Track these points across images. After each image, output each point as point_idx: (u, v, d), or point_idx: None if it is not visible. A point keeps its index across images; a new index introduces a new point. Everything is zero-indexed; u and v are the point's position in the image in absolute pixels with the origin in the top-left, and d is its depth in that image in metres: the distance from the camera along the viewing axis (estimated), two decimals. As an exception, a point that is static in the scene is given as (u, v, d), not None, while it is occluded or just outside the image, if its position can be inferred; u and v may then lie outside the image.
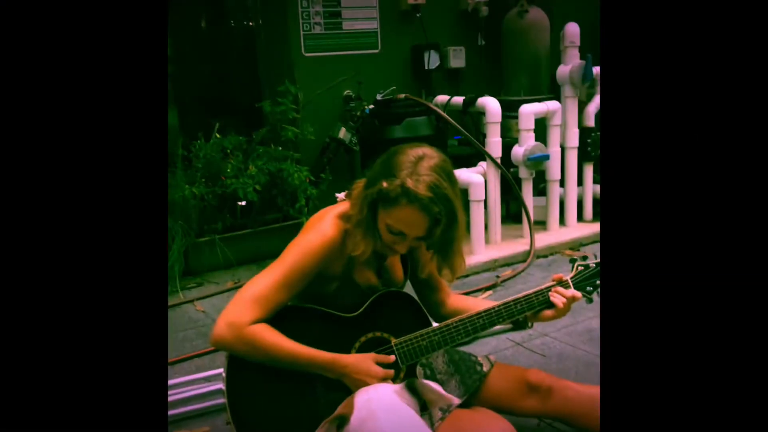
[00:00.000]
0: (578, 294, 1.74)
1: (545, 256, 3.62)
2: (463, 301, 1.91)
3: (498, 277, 3.29)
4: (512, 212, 4.15)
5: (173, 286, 3.17)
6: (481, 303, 1.88)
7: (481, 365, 1.84)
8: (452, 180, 1.59)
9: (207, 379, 2.17)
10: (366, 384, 1.57)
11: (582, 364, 2.31)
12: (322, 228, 1.65)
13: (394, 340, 1.70)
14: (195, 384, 2.16)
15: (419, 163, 1.55)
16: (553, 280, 1.79)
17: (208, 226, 3.41)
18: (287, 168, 3.37)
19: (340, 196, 1.79)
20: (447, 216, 1.57)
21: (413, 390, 1.31)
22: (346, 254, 1.66)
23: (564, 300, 1.72)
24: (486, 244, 3.56)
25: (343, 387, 1.61)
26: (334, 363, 1.60)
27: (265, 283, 1.61)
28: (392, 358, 1.65)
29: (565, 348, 2.45)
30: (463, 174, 3.47)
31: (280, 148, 3.59)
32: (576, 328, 2.52)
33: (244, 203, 3.53)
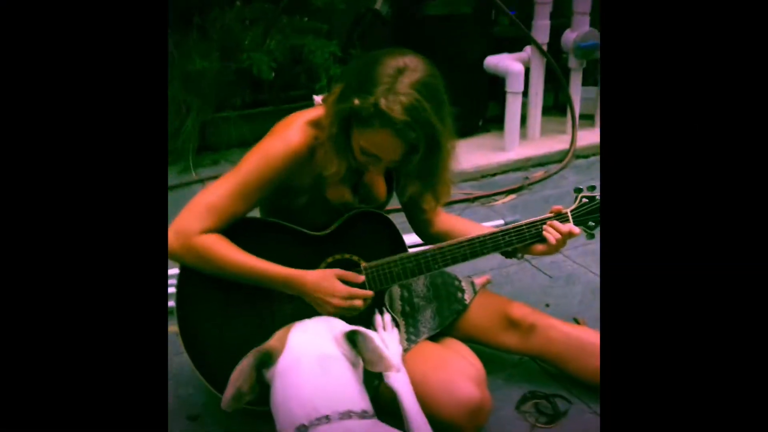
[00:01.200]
0: (576, 229, 1.54)
1: (586, 157, 3.32)
2: (453, 223, 1.74)
3: (527, 178, 3.05)
4: (561, 102, 3.79)
5: (186, 162, 3.09)
6: (472, 227, 1.71)
7: (463, 292, 1.71)
8: (438, 99, 1.36)
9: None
10: (327, 304, 1.46)
11: (589, 289, 2.13)
12: (286, 134, 1.47)
13: (364, 264, 1.57)
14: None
15: (399, 78, 1.32)
16: (552, 212, 1.58)
17: (227, 101, 3.25)
18: (309, 43, 3.11)
19: (318, 99, 1.59)
20: (426, 143, 1.35)
21: (354, 343, 1.18)
22: (315, 165, 1.49)
23: (558, 236, 1.53)
24: (522, 140, 3.28)
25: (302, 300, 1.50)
26: (293, 279, 1.48)
27: (219, 191, 1.47)
28: (361, 278, 1.51)
29: (576, 270, 2.27)
30: (501, 61, 3.14)
31: (307, 19, 3.31)
32: (591, 248, 2.30)
33: (272, 76, 3.34)
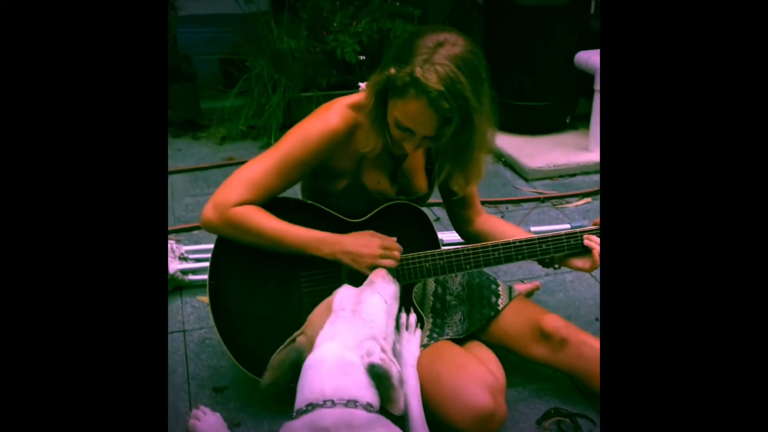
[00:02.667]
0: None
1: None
2: (493, 225, 1.70)
3: (608, 181, 2.90)
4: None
5: (268, 139, 3.19)
6: (512, 231, 1.66)
7: (498, 297, 1.66)
8: (475, 76, 1.33)
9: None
10: (364, 256, 1.46)
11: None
12: (326, 116, 1.49)
13: (395, 256, 1.56)
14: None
15: (437, 49, 1.31)
16: (594, 224, 1.51)
17: (314, 81, 3.32)
18: (397, 27, 3.10)
19: (363, 85, 1.59)
20: (460, 116, 1.33)
21: (377, 377, 1.21)
22: (355, 149, 1.50)
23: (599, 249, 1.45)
24: (609, 141, 3.11)
25: (329, 281, 1.52)
26: (326, 239, 1.48)
27: (257, 167, 1.51)
28: (394, 260, 1.49)
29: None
30: (592, 57, 2.98)
31: (398, 3, 3.30)
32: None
33: (363, 57, 3.37)
